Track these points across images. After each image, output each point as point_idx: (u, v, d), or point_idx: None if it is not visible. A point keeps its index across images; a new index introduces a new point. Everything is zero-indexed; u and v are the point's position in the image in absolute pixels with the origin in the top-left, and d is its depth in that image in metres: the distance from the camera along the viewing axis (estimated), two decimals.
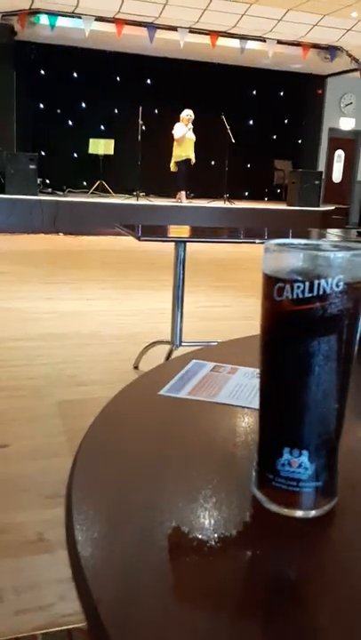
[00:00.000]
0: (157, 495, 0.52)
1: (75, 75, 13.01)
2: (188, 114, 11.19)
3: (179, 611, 0.40)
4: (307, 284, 0.44)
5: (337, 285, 0.44)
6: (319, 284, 0.44)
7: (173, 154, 11.42)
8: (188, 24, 10.75)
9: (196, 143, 11.32)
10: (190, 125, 11.19)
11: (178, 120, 11.29)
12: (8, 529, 1.99)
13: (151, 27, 10.79)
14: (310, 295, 0.44)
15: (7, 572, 1.77)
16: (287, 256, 0.46)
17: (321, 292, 0.44)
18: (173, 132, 11.29)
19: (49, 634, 1.51)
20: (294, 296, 0.45)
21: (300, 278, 0.44)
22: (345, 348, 0.46)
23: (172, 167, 11.49)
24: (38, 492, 2.21)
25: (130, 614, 0.39)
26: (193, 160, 11.36)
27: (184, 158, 11.30)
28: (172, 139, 11.31)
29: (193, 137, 11.27)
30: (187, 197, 11.85)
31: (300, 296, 0.44)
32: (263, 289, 0.47)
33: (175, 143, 11.33)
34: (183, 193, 11.80)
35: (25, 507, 2.12)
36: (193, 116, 11.20)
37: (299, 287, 0.44)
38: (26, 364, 3.66)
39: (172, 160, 11.44)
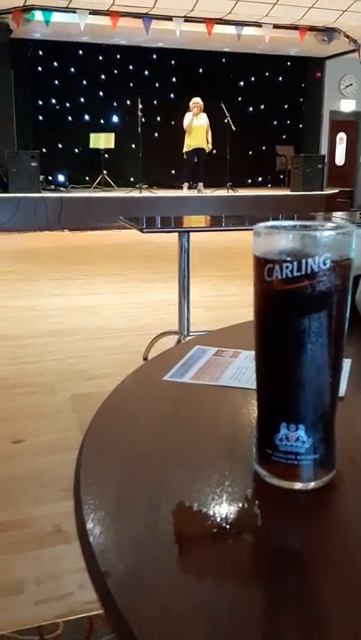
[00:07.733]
0: (163, 475, 0.54)
1: (72, 70, 12.99)
2: (193, 101, 11.10)
3: (185, 582, 0.42)
4: (295, 263, 0.46)
5: (324, 263, 0.45)
6: (307, 263, 0.45)
7: (184, 143, 11.38)
8: (182, 13, 10.67)
9: None
10: (197, 112, 11.04)
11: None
12: (26, 523, 2.03)
13: (146, 17, 10.73)
14: (299, 274, 0.46)
15: (27, 563, 1.81)
16: (275, 237, 0.48)
17: (309, 271, 0.46)
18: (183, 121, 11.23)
19: (70, 621, 1.54)
20: (284, 276, 0.46)
21: (288, 258, 0.46)
22: (335, 324, 0.48)
23: (185, 156, 11.48)
24: (54, 485, 2.24)
25: (137, 586, 0.41)
26: (207, 148, 11.25)
27: (193, 148, 11.23)
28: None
29: (203, 124, 11.15)
30: (189, 188, 11.81)
31: (290, 275, 0.46)
32: (254, 270, 0.49)
33: (186, 133, 11.29)
34: (186, 184, 11.76)
35: (42, 500, 2.16)
36: (200, 103, 11.07)
37: (287, 267, 0.46)
38: (37, 361, 3.70)
39: (183, 150, 11.43)
